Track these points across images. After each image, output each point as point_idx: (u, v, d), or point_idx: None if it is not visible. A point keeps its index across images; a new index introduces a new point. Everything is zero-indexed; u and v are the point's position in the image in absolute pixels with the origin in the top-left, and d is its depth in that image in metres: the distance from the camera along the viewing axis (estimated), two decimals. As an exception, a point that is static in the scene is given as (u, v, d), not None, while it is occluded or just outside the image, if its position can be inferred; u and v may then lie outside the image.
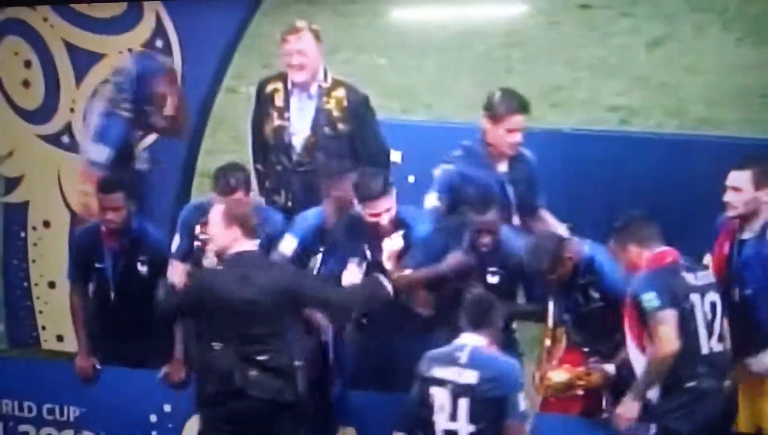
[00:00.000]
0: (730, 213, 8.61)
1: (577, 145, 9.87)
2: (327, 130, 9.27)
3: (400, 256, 8.87)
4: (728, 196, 8.57)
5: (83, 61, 9.99)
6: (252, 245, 8.55)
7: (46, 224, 10.41)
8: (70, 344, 9.78)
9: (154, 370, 9.34)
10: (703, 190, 9.04)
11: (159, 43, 9.85)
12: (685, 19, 12.03)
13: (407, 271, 8.84)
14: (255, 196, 9.27)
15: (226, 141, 10.19)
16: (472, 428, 7.82)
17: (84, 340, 9.42)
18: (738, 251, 8.66)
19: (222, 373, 8.37)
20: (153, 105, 9.49)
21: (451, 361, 7.89)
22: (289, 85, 9.32)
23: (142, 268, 9.28)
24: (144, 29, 9.90)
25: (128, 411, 9.43)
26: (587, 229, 9.07)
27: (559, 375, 8.71)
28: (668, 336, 8.11)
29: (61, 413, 9.61)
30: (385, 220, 8.81)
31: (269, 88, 9.33)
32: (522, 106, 9.03)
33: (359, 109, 9.29)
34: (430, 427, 7.88)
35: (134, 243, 9.30)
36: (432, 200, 9.00)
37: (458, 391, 7.81)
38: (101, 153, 9.29)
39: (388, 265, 8.83)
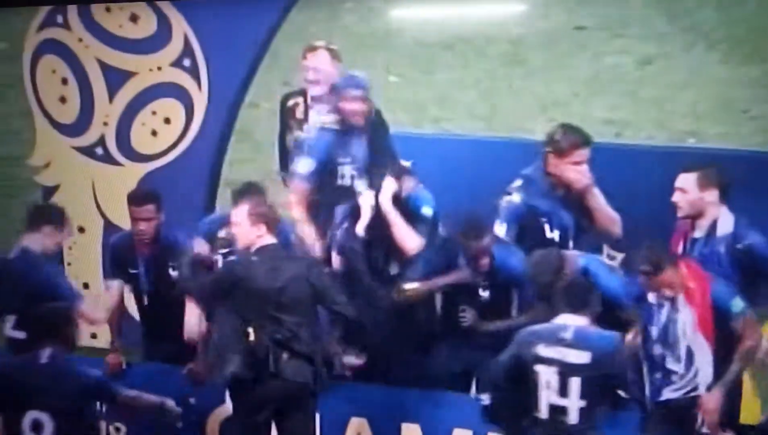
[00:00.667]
0: (679, 213, 8.64)
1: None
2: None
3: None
4: (675, 197, 8.62)
5: (116, 78, 9.98)
6: (274, 240, 8.59)
7: (81, 230, 10.41)
8: (103, 341, 9.77)
9: (180, 367, 9.33)
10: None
11: (186, 62, 9.84)
12: (674, 39, 12.03)
13: (415, 284, 8.88)
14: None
15: (249, 152, 10.20)
16: (582, 403, 7.72)
17: (116, 337, 9.42)
18: (690, 250, 8.66)
19: (257, 357, 8.39)
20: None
21: (557, 340, 7.77)
22: (309, 100, 9.32)
23: (174, 274, 9.27)
24: (173, 49, 9.88)
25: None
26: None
27: None
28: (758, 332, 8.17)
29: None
30: None
31: (291, 102, 9.42)
32: (585, 140, 9.06)
33: (373, 122, 9.30)
34: (534, 402, 7.79)
35: (165, 250, 9.30)
36: (500, 231, 9.10)
37: (568, 370, 7.71)
38: (306, 166, 9.25)
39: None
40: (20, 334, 8.63)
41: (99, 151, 10.06)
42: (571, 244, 9.12)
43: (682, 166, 9.10)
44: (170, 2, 9.84)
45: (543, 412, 7.75)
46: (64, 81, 10.15)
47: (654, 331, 8.23)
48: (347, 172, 9.26)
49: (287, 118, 9.45)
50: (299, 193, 9.20)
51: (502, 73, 11.60)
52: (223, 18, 9.73)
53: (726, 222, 8.59)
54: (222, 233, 8.99)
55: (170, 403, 8.37)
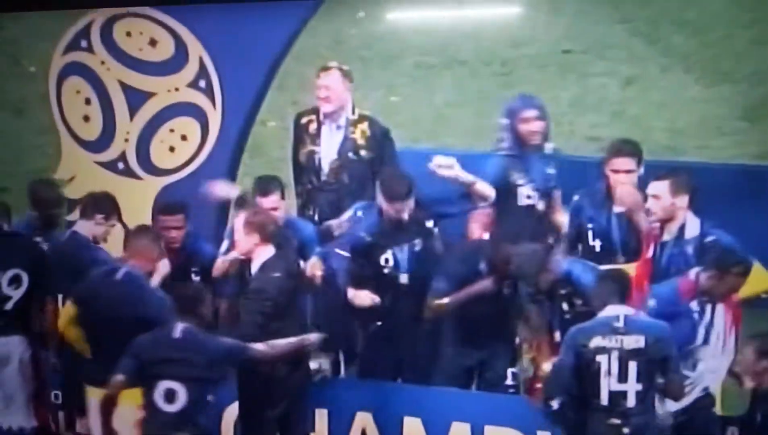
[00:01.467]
0: (651, 218, 8.59)
1: (559, 170, 9.72)
2: (351, 155, 9.30)
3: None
4: (649, 204, 8.57)
5: (136, 98, 9.94)
6: (270, 250, 8.53)
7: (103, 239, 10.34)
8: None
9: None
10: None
11: (202, 83, 9.82)
12: (653, 62, 12.09)
13: (445, 300, 8.80)
14: (290, 204, 9.22)
15: (260, 166, 10.14)
16: (639, 387, 7.68)
17: None
18: (660, 253, 8.59)
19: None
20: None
21: (611, 330, 7.73)
22: (321, 117, 9.30)
23: (196, 278, 9.16)
24: (189, 71, 9.85)
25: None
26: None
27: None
28: None
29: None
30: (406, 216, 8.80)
31: (304, 119, 9.41)
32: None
33: (380, 139, 9.35)
34: (595, 390, 7.72)
35: (189, 257, 9.19)
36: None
37: (627, 355, 7.67)
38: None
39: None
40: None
41: (120, 165, 10.02)
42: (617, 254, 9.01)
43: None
44: (187, 29, 9.70)
45: (604, 399, 7.72)
46: (88, 101, 10.13)
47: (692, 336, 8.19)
48: (527, 192, 9.22)
49: (301, 134, 9.41)
50: (483, 218, 9.17)
51: (495, 93, 11.61)
52: (236, 42, 9.71)
53: (693, 225, 8.56)
54: (224, 246, 8.98)
55: (311, 336, 8.45)
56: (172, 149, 9.87)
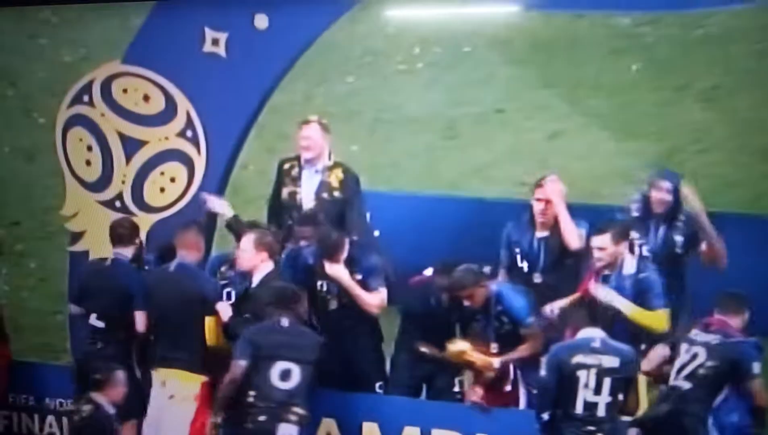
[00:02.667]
0: (599, 264, 8.52)
1: (495, 210, 9.70)
2: (326, 196, 9.20)
3: None
4: (596, 254, 8.50)
5: (131, 146, 9.84)
6: (270, 265, 8.58)
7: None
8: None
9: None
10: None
11: (189, 133, 9.71)
12: (574, 121, 12.20)
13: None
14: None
15: (239, 205, 10.05)
16: (608, 399, 7.72)
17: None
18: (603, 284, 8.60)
19: None
20: None
21: (590, 350, 7.77)
22: (302, 163, 9.31)
23: None
24: (177, 123, 9.71)
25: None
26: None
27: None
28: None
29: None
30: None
31: (287, 165, 9.37)
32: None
33: (351, 184, 9.25)
34: (572, 400, 7.74)
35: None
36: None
37: (603, 372, 7.70)
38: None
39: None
40: (100, 324, 8.81)
41: (117, 203, 9.87)
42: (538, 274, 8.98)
43: (585, 217, 9.03)
44: (175, 86, 9.63)
45: (579, 409, 7.75)
46: (89, 147, 9.94)
47: None
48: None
49: (283, 177, 9.40)
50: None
51: (441, 146, 11.69)
52: (218, 97, 9.60)
53: (630, 263, 8.53)
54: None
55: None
56: (162, 190, 9.76)
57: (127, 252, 9.01)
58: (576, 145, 11.78)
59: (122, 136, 9.84)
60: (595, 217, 9.08)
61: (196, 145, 9.71)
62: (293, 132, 9.37)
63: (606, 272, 8.56)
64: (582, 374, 7.71)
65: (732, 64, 12.56)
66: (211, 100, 9.59)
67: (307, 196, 9.21)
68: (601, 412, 7.73)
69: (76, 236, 9.93)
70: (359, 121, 12.26)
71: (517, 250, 8.92)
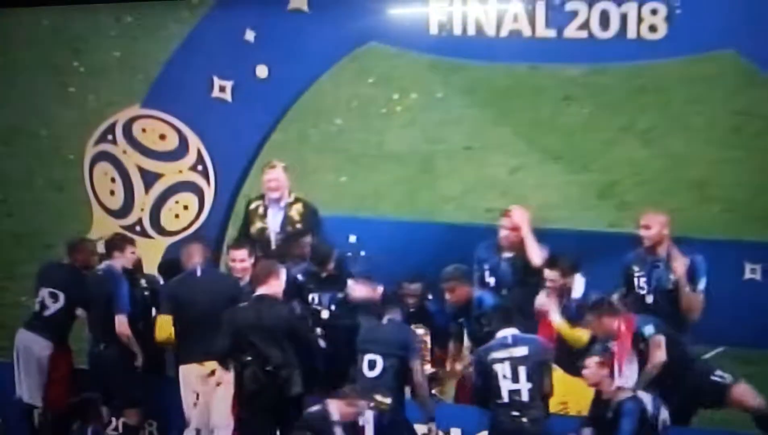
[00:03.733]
0: (550, 294, 8.38)
1: (465, 234, 9.66)
2: (290, 228, 9.11)
3: None
4: (549, 284, 8.36)
5: (150, 178, 9.80)
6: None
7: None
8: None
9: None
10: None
11: (200, 168, 9.69)
12: (531, 156, 12.25)
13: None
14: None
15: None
16: (529, 386, 7.65)
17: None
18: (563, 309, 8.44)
19: None
20: None
21: (503, 345, 7.73)
22: (267, 201, 9.26)
23: None
24: (189, 158, 9.71)
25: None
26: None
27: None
28: (662, 352, 7.92)
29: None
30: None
31: (254, 204, 9.28)
32: None
33: (310, 216, 9.14)
34: (497, 392, 7.69)
35: None
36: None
37: (516, 361, 7.65)
38: None
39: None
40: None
41: (138, 228, 9.81)
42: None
43: (539, 239, 9.03)
44: (188, 127, 9.62)
45: (505, 398, 7.68)
46: (113, 180, 9.90)
47: None
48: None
49: (251, 216, 9.27)
50: None
51: (418, 177, 11.73)
52: (225, 138, 9.60)
53: (578, 287, 8.42)
54: None
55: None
56: (177, 216, 9.72)
57: (118, 263, 8.83)
58: (533, 178, 11.84)
59: (141, 170, 9.81)
60: (549, 239, 9.11)
61: (206, 177, 9.69)
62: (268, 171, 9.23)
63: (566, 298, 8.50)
64: (498, 367, 7.66)
65: (666, 109, 12.65)
66: (219, 139, 9.58)
67: (274, 230, 9.12)
68: (525, 397, 7.62)
69: (102, 257, 9.91)
70: (347, 156, 12.30)
71: (486, 267, 8.86)
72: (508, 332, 7.81)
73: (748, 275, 9.13)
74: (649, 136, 12.36)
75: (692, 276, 8.31)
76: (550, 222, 10.64)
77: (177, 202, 9.78)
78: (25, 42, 14.97)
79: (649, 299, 8.37)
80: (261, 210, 9.21)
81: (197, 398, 8.42)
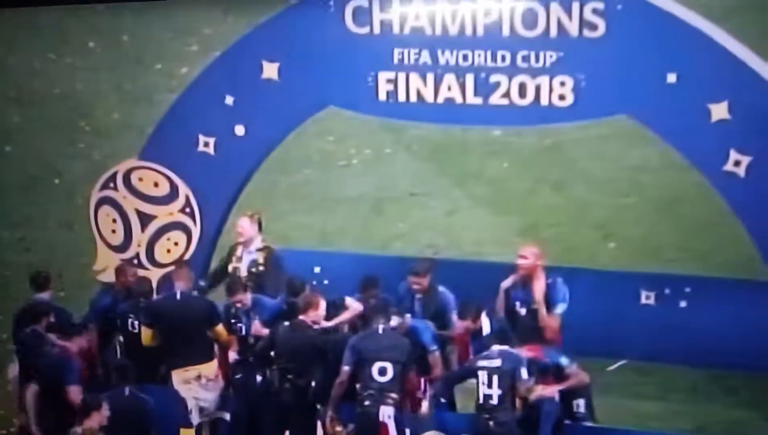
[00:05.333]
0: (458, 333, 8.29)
1: (388, 265, 9.20)
2: (254, 269, 8.93)
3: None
4: (458, 330, 8.28)
5: (145, 219, 9.58)
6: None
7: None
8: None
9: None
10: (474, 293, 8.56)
11: (188, 210, 9.47)
12: (464, 202, 12.22)
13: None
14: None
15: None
16: (499, 391, 7.52)
17: None
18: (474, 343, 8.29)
19: None
20: None
21: (487, 357, 7.62)
22: (241, 247, 9.01)
23: None
24: (179, 202, 9.50)
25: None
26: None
27: None
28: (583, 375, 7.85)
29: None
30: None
31: (238, 247, 9.07)
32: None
33: (272, 261, 8.94)
34: (477, 395, 7.59)
35: None
36: None
37: (491, 371, 7.55)
38: None
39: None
40: None
41: (135, 261, 9.64)
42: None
43: (469, 270, 8.96)
44: (178, 176, 9.48)
45: (480, 399, 7.58)
46: (114, 220, 9.69)
47: None
48: None
49: (231, 256, 9.06)
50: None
51: (372, 218, 11.72)
52: (209, 185, 9.41)
53: (486, 325, 8.29)
54: None
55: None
56: (168, 251, 9.48)
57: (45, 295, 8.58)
58: (465, 220, 11.77)
59: (138, 212, 9.60)
60: (476, 271, 9.00)
61: (193, 218, 9.48)
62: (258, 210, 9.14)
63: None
64: (480, 374, 7.56)
65: (573, 163, 12.68)
66: (204, 186, 9.35)
67: (243, 270, 8.94)
68: (495, 401, 7.49)
69: (106, 285, 9.71)
70: (312, 201, 12.20)
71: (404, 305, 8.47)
72: (495, 347, 7.65)
73: (644, 301, 9.08)
74: (558, 185, 12.38)
75: (550, 298, 8.18)
76: (479, 256, 10.67)
77: (168, 239, 9.56)
78: (40, 106, 14.84)
79: (522, 313, 8.23)
80: (239, 252, 9.04)
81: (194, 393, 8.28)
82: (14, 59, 15.99)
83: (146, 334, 8.41)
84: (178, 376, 8.34)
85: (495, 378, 7.52)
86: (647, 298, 9.13)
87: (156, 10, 16.98)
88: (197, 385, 8.30)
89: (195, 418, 8.34)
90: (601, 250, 11.01)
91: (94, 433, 7.40)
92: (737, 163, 8.05)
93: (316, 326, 8.02)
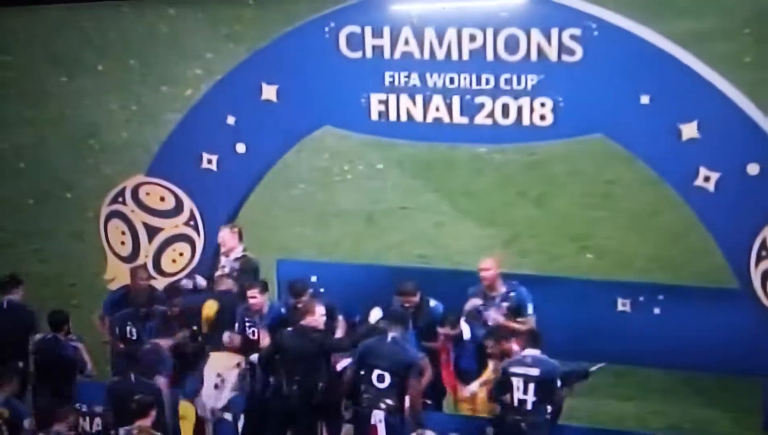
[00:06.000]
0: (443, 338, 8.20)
1: (403, 275, 9.27)
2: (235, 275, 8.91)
3: None
4: (442, 338, 8.16)
5: (152, 231, 9.55)
6: None
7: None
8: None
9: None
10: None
11: (192, 223, 9.41)
12: (452, 214, 12.19)
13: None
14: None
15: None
16: (534, 398, 7.41)
17: None
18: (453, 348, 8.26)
19: None
20: None
21: (523, 363, 7.48)
22: (223, 256, 9.06)
23: None
24: (184, 216, 9.43)
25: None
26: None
27: None
28: None
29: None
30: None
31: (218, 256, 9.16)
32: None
33: (248, 268, 8.93)
34: (510, 398, 7.46)
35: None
36: None
37: (528, 378, 7.42)
38: None
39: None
40: None
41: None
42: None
43: (456, 279, 8.85)
44: (183, 191, 9.43)
45: (514, 403, 7.47)
46: (123, 233, 9.63)
47: None
48: None
49: (215, 264, 9.15)
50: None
51: (365, 230, 11.70)
52: (212, 200, 9.35)
53: (466, 331, 8.23)
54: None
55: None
56: (174, 261, 9.46)
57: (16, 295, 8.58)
58: (452, 231, 11.77)
59: (146, 225, 9.53)
60: (463, 279, 8.81)
61: (197, 230, 9.41)
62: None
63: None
64: (514, 380, 7.43)
65: (552, 179, 12.68)
66: (207, 201, 9.31)
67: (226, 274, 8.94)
68: (529, 407, 7.40)
69: (115, 292, 9.66)
70: (309, 213, 12.17)
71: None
72: (530, 353, 7.53)
73: (620, 308, 9.04)
74: (539, 199, 12.38)
75: (520, 302, 8.17)
76: (464, 265, 10.62)
77: (174, 250, 9.50)
78: (53, 125, 14.82)
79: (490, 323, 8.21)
80: (222, 260, 9.03)
81: (218, 379, 8.17)
82: (29, 82, 15.98)
83: (210, 308, 8.34)
84: (216, 360, 8.20)
85: (531, 386, 7.43)
86: (623, 305, 9.10)
87: (162, 36, 17.02)
88: (230, 373, 8.15)
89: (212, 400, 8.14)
90: (579, 260, 11.00)
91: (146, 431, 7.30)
92: (707, 179, 8.08)
93: (315, 331, 7.97)
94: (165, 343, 8.47)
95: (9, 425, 7.51)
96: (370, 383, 7.67)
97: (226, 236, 9.06)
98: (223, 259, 9.02)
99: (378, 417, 7.59)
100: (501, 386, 7.56)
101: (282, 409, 7.91)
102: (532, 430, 7.43)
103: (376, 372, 7.67)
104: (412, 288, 8.32)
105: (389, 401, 7.63)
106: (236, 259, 8.98)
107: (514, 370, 7.52)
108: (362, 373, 7.71)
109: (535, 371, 7.46)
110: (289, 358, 7.89)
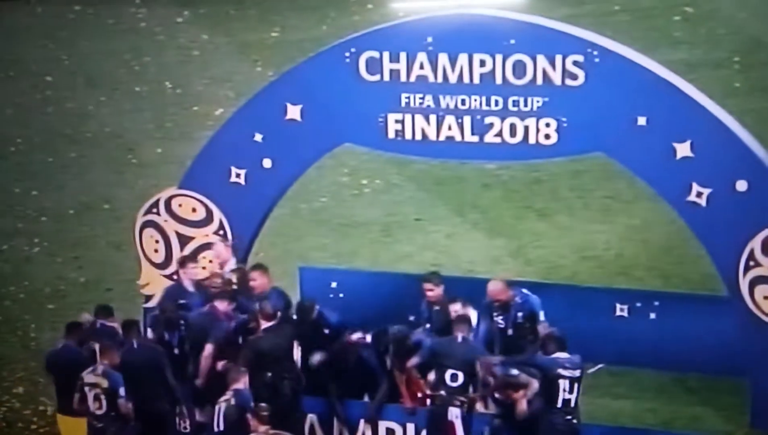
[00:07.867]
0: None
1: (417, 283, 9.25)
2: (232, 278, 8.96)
3: None
4: (454, 315, 8.22)
5: (184, 240, 9.61)
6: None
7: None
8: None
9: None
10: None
11: (221, 232, 9.52)
12: (462, 226, 12.21)
13: None
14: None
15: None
16: (574, 396, 7.53)
17: None
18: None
19: None
20: None
21: (570, 366, 7.57)
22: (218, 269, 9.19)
23: None
24: (214, 226, 9.52)
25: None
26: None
27: None
28: None
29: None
30: None
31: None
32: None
33: (244, 278, 8.92)
34: (556, 395, 7.52)
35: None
36: None
37: (573, 380, 7.53)
38: None
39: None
40: None
41: (175, 277, 9.69)
42: None
43: (464, 286, 8.83)
44: (213, 203, 9.50)
45: (559, 403, 7.54)
46: (156, 241, 9.66)
47: None
48: None
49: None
50: None
51: (381, 240, 11.73)
52: (240, 211, 9.41)
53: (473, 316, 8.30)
54: None
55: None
56: (204, 268, 9.65)
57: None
58: (463, 242, 11.77)
59: (178, 234, 9.62)
60: (473, 286, 8.85)
61: (225, 240, 9.53)
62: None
63: None
64: (561, 382, 7.51)
65: (556, 194, 12.67)
66: (236, 212, 9.40)
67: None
68: (572, 404, 7.53)
69: (148, 298, 9.69)
70: (329, 225, 12.20)
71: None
72: (568, 356, 7.62)
73: (618, 313, 9.11)
74: (543, 213, 12.39)
75: (531, 310, 8.24)
76: (473, 273, 10.68)
77: (204, 257, 9.57)
78: (92, 142, 14.96)
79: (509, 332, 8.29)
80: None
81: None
82: (72, 103, 16.15)
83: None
84: None
85: (576, 386, 7.52)
86: (621, 310, 9.16)
87: (194, 60, 17.19)
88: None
89: None
90: (580, 269, 11.02)
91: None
92: (699, 195, 8.17)
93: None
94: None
95: (107, 395, 7.69)
96: (442, 382, 7.73)
97: (220, 250, 9.08)
98: (225, 271, 9.00)
99: (454, 413, 7.65)
100: (547, 388, 7.55)
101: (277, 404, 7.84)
102: (579, 425, 7.53)
103: (449, 371, 7.72)
104: (435, 278, 8.41)
105: (463, 399, 7.70)
106: (232, 271, 8.98)
107: (563, 372, 7.56)
108: (432, 369, 7.74)
109: (578, 373, 7.57)
110: (275, 359, 7.92)
